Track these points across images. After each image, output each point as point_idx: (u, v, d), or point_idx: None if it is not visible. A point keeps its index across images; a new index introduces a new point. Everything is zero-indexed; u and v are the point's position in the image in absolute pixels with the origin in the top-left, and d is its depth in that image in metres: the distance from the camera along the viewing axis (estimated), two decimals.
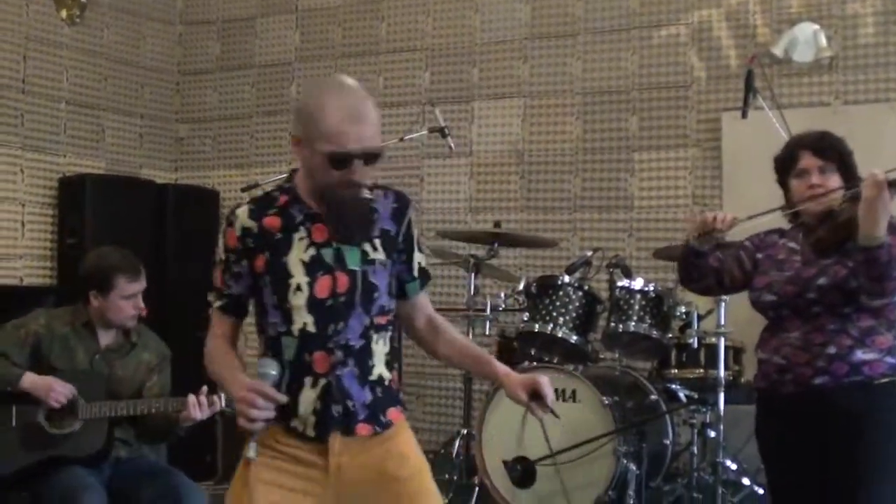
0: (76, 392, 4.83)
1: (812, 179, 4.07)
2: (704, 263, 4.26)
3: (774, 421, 4.17)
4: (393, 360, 3.39)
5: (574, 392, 5.82)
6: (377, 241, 3.32)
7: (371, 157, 3.19)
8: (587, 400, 5.76)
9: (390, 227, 3.37)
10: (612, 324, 6.11)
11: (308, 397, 3.25)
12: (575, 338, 6.06)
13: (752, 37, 7.35)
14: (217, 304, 3.48)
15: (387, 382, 3.35)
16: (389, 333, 3.38)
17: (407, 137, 6.70)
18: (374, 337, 3.31)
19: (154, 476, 4.97)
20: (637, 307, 6.06)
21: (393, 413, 3.37)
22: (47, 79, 8.14)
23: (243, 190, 6.79)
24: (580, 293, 6.17)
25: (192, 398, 4.75)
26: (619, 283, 6.18)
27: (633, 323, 6.03)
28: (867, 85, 7.03)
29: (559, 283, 6.16)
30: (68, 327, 5.07)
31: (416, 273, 3.47)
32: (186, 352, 5.64)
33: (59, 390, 4.79)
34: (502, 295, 6.62)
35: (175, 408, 4.82)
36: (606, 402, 5.72)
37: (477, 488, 6.07)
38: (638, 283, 6.13)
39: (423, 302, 3.55)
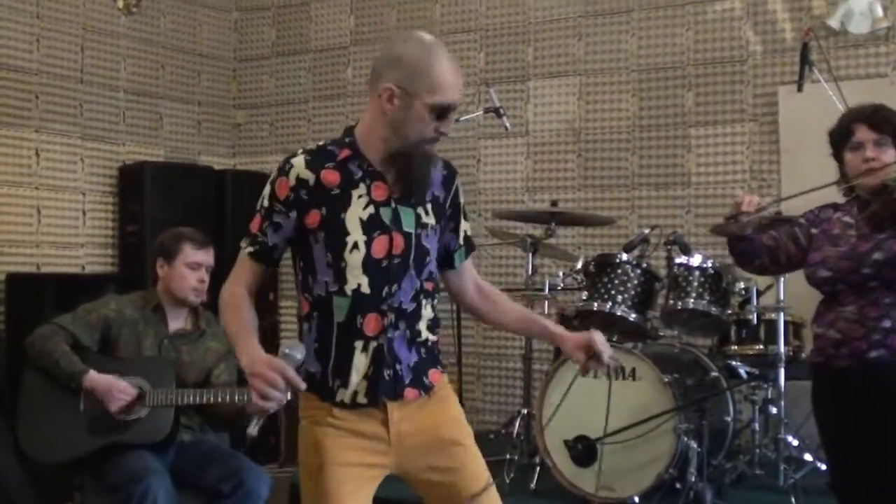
0: (137, 393, 4.89)
1: (867, 153, 4.04)
2: (752, 246, 4.26)
3: (831, 395, 4.15)
4: (435, 324, 3.41)
5: (634, 370, 5.81)
6: (429, 206, 3.34)
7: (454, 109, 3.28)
8: (647, 378, 5.75)
9: (440, 193, 3.40)
10: (671, 301, 6.09)
11: (360, 362, 3.26)
12: (634, 316, 6.05)
13: (808, 9, 7.28)
14: (248, 249, 3.39)
15: (430, 344, 3.39)
16: (434, 301, 3.40)
17: (463, 119, 6.71)
18: (424, 301, 3.34)
19: (218, 459, 5.02)
20: (696, 284, 6.03)
21: (433, 374, 3.39)
22: (105, 68, 8.22)
23: None
24: (638, 271, 6.15)
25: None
26: (678, 260, 6.15)
27: (692, 300, 6.00)
28: None
29: (617, 261, 6.14)
30: (138, 312, 5.15)
31: (461, 241, 3.50)
32: None
33: (119, 395, 4.86)
34: (560, 274, 6.59)
35: (241, 398, 4.85)
36: (666, 379, 5.71)
37: (538, 468, 6.07)
38: (696, 260, 6.10)
39: (470, 270, 3.57)
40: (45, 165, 7.75)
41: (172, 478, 4.83)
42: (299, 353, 3.16)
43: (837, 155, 4.20)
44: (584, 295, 6.22)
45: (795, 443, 6.16)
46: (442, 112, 3.19)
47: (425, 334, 3.36)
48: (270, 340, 8.68)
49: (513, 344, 8.01)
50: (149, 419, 4.91)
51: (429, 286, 3.35)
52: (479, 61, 8.34)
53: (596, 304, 6.06)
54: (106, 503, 4.85)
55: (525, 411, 6.49)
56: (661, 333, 6.43)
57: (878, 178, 4.00)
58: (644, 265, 6.19)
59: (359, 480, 3.29)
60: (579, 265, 6.35)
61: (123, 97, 8.35)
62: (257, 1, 9.32)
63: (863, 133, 4.08)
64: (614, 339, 6.01)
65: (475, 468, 3.40)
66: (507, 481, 5.98)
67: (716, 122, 7.55)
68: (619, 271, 6.12)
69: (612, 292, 6.07)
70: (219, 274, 5.36)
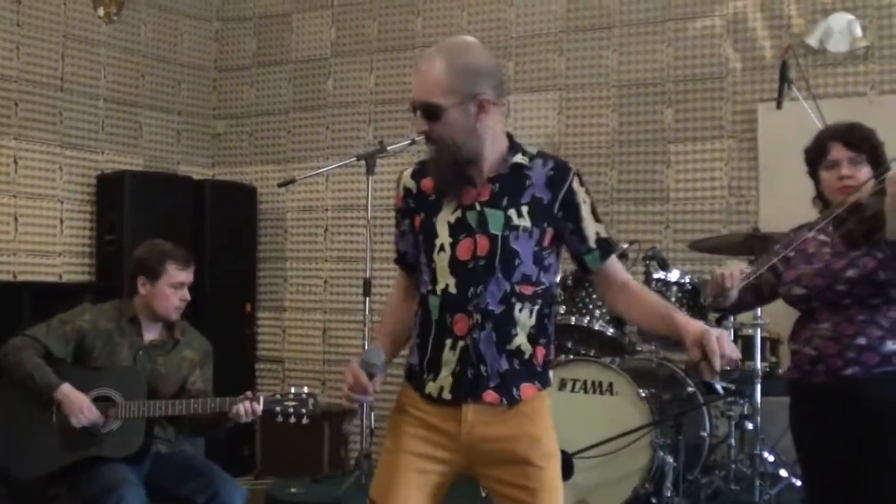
0: (100, 421, 4.88)
1: (842, 171, 4.06)
2: (737, 307, 4.36)
3: (807, 411, 4.18)
4: (539, 335, 3.37)
5: (611, 385, 5.82)
6: (524, 208, 3.33)
7: (426, 110, 3.32)
8: (624, 392, 5.77)
9: (542, 194, 3.36)
10: None
11: (449, 359, 3.32)
12: (611, 330, 6.07)
13: (787, 27, 7.32)
14: (394, 256, 3.62)
15: (527, 356, 3.34)
16: (537, 307, 3.35)
17: None
18: (518, 305, 3.30)
19: (193, 471, 5.00)
20: (673, 299, 6.06)
21: (527, 388, 3.34)
22: (85, 76, 8.20)
23: (280, 185, 6.85)
24: None
25: (240, 407, 4.78)
26: (656, 275, 6.18)
27: None
28: None
29: None
30: (113, 323, 5.13)
31: (592, 244, 3.41)
32: (224, 347, 5.69)
33: (85, 415, 4.85)
34: None
35: (214, 409, 4.84)
36: (643, 394, 5.73)
37: None
38: (674, 275, 6.13)
39: (614, 272, 3.47)
40: (23, 173, 7.72)
41: (148, 489, 4.82)
42: (376, 359, 3.34)
43: (813, 173, 4.23)
44: (562, 309, 6.23)
45: (771, 458, 6.19)
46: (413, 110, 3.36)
47: (520, 342, 3.32)
48: (248, 352, 8.67)
49: None
50: (121, 432, 4.89)
51: (526, 290, 3.31)
52: None
53: (574, 318, 6.08)
54: None
55: None
56: (639, 348, 6.46)
57: (854, 196, 4.02)
58: None
59: (425, 474, 3.35)
60: (557, 279, 6.36)
61: (103, 106, 8.33)
62: (238, 11, 9.31)
63: (838, 151, 4.10)
64: (591, 354, 6.03)
65: (549, 495, 3.33)
66: (484, 495, 5.97)
67: (695, 139, 7.57)
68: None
69: (591, 306, 6.09)
70: (196, 286, 5.36)
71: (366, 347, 3.37)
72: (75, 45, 8.12)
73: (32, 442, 4.89)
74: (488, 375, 3.29)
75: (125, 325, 5.13)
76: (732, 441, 6.29)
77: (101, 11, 8.30)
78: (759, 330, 6.04)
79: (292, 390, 4.80)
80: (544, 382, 3.41)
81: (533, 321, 3.34)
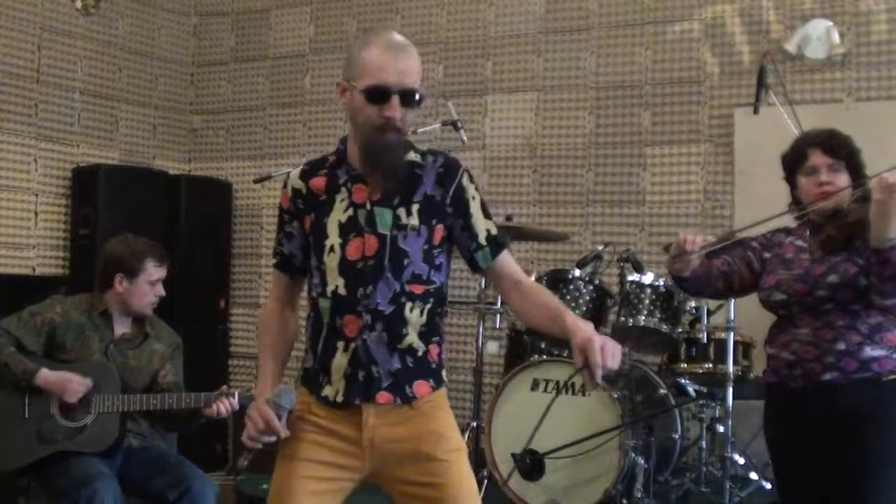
0: (92, 384, 4.87)
1: (821, 177, 4.07)
2: (696, 284, 4.28)
3: (783, 415, 4.18)
4: (431, 333, 3.33)
5: (583, 386, 5.83)
6: (415, 207, 3.28)
7: (408, 97, 3.17)
8: (596, 394, 5.77)
9: (434, 192, 3.31)
10: (622, 318, 6.12)
11: (340, 362, 3.27)
12: None
13: (766, 33, 7.35)
14: (273, 261, 3.50)
15: (420, 353, 3.31)
16: (429, 305, 3.31)
17: (420, 130, 6.72)
18: (408, 305, 3.26)
19: (165, 466, 4.99)
20: (647, 302, 6.07)
21: (420, 386, 3.30)
22: (62, 69, 8.17)
23: (256, 181, 6.82)
24: (591, 287, 6.19)
25: (215, 407, 4.79)
26: (630, 278, 6.19)
27: (643, 317, 6.04)
28: (880, 82, 7.03)
29: (570, 276, 6.18)
30: (84, 316, 5.11)
31: (483, 241, 3.37)
32: (196, 342, 5.69)
33: (75, 387, 4.83)
34: None
35: (189, 405, 4.85)
36: (615, 395, 5.74)
37: (486, 480, 6.08)
38: (648, 278, 6.14)
39: (505, 269, 3.43)
40: None
41: (120, 482, 4.80)
42: (286, 402, 3.25)
43: (790, 178, 4.24)
44: None
45: (742, 461, 6.22)
46: (376, 95, 3.15)
47: (411, 340, 3.28)
48: (221, 348, 8.66)
49: (463, 357, 8.01)
50: (95, 426, 4.88)
51: (416, 289, 3.27)
52: (438, 74, 8.35)
53: None
54: None
55: (475, 424, 6.49)
56: None
57: (833, 202, 4.03)
58: (596, 282, 6.23)
59: (325, 481, 3.29)
60: (532, 280, 6.36)
61: (79, 98, 8.30)
62: (217, 6, 9.30)
63: (817, 158, 4.11)
64: (565, 355, 6.04)
65: (459, 489, 3.29)
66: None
67: (671, 142, 7.59)
68: (572, 287, 6.15)
69: None
70: (170, 281, 5.35)
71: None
72: (52, 37, 8.09)
73: (4, 437, 4.87)
74: (380, 376, 3.25)
75: (97, 319, 5.11)
76: (703, 443, 6.31)
77: (78, 3, 8.27)
78: (731, 334, 6.05)
79: None
80: (438, 381, 3.37)
81: (424, 320, 3.30)
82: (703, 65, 7.54)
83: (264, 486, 6.55)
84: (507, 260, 3.45)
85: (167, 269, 5.23)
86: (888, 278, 3.83)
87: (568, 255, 7.64)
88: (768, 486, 6.06)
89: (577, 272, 6.21)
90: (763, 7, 7.36)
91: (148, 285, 5.11)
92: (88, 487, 4.60)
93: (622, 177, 7.75)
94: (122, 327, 5.17)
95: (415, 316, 3.28)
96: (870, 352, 3.96)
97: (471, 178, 3.38)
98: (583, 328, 3.15)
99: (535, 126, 8.04)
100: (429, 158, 3.34)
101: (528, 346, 6.51)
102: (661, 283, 6.11)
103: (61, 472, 4.77)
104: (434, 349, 3.35)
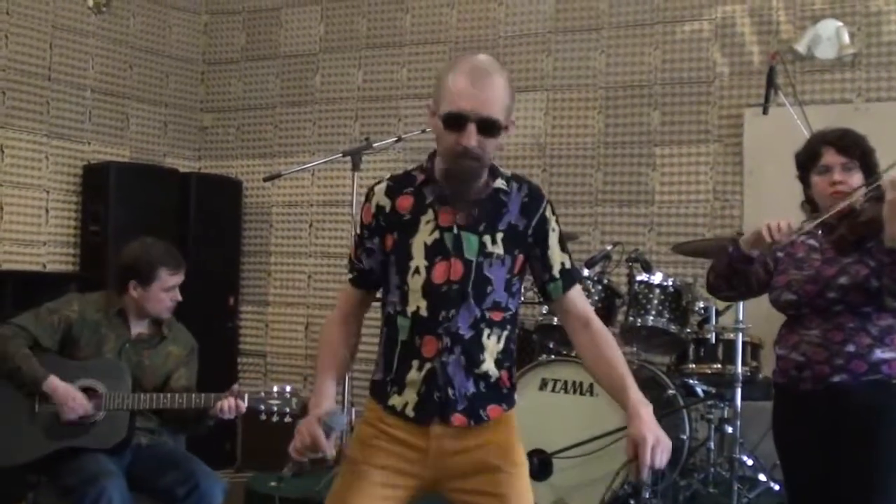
0: (92, 409, 4.88)
1: (835, 176, 4.07)
2: (750, 269, 4.23)
3: (792, 417, 4.18)
4: (505, 359, 3.36)
5: (591, 386, 5.83)
6: (499, 235, 3.29)
7: (486, 125, 3.15)
8: (604, 394, 5.73)
9: (518, 221, 3.33)
10: (631, 318, 6.12)
11: (414, 379, 3.28)
12: None
13: (775, 33, 7.34)
14: (349, 276, 3.50)
15: (493, 379, 3.33)
16: (506, 332, 3.34)
17: (429, 129, 6.71)
18: (486, 331, 3.29)
19: (173, 463, 5.00)
20: (656, 302, 6.07)
21: (494, 410, 3.33)
22: (73, 67, 8.19)
23: (266, 179, 6.84)
24: (599, 287, 6.19)
25: (224, 403, 4.80)
26: (639, 278, 6.19)
27: (652, 317, 6.04)
28: (890, 83, 7.01)
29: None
30: (101, 314, 5.12)
31: (556, 273, 3.40)
32: (206, 340, 5.68)
33: (75, 407, 4.85)
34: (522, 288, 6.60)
35: (198, 405, 4.86)
36: None
37: None
38: (657, 278, 6.14)
39: (573, 304, 3.46)
40: (9, 162, 7.70)
41: (128, 480, 4.82)
42: (336, 425, 3.27)
43: (803, 177, 4.23)
44: (545, 309, 6.25)
45: (750, 462, 6.20)
46: (452, 122, 3.15)
47: (488, 367, 3.30)
48: (231, 346, 8.67)
49: None
50: (105, 423, 4.89)
51: (495, 316, 3.30)
52: None
53: (556, 319, 6.08)
54: None
55: None
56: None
57: (846, 201, 4.02)
58: (605, 281, 6.23)
59: (387, 487, 3.31)
60: (600, 324, 6.35)
61: (90, 96, 8.31)
62: (228, 5, 9.31)
63: (831, 157, 4.10)
64: (573, 355, 6.04)
65: (518, 502, 3.34)
66: None
67: (681, 142, 7.59)
68: (580, 287, 6.14)
69: None
70: (183, 282, 5.35)
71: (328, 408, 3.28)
72: (64, 35, 8.10)
73: (14, 432, 4.88)
74: (456, 399, 3.27)
75: (113, 317, 5.12)
76: (712, 444, 6.30)
77: (90, 1, 8.28)
78: (740, 334, 6.04)
79: (275, 388, 4.82)
80: (510, 404, 3.41)
81: (501, 346, 3.33)
82: (713, 65, 7.53)
83: (273, 484, 6.59)
84: (578, 296, 3.48)
85: (183, 274, 5.23)
86: None
87: (577, 254, 7.54)
88: (777, 487, 6.05)
89: (586, 272, 6.22)
90: (773, 7, 7.35)
91: (163, 292, 5.12)
92: (96, 485, 4.62)
93: (631, 176, 7.74)
94: (138, 327, 5.18)
95: (492, 343, 3.31)
96: (880, 354, 3.96)
97: (552, 210, 3.40)
98: (643, 418, 3.19)
99: (545, 125, 8.04)
100: (514, 185, 3.35)
101: (536, 345, 6.51)
102: (670, 283, 6.11)
103: (70, 469, 4.78)
104: (505, 374, 3.38)
